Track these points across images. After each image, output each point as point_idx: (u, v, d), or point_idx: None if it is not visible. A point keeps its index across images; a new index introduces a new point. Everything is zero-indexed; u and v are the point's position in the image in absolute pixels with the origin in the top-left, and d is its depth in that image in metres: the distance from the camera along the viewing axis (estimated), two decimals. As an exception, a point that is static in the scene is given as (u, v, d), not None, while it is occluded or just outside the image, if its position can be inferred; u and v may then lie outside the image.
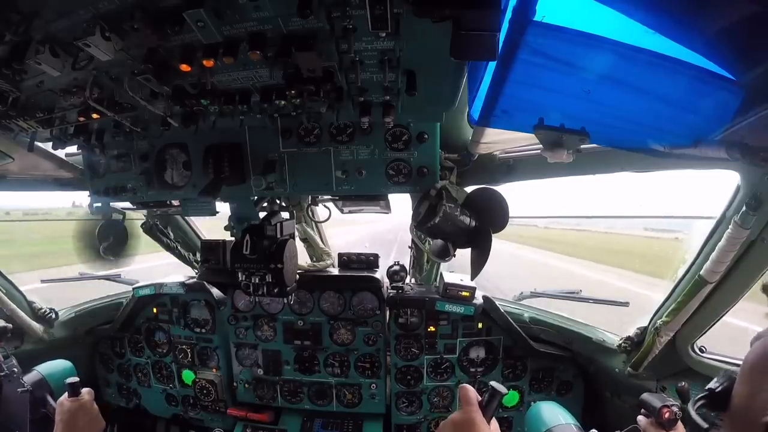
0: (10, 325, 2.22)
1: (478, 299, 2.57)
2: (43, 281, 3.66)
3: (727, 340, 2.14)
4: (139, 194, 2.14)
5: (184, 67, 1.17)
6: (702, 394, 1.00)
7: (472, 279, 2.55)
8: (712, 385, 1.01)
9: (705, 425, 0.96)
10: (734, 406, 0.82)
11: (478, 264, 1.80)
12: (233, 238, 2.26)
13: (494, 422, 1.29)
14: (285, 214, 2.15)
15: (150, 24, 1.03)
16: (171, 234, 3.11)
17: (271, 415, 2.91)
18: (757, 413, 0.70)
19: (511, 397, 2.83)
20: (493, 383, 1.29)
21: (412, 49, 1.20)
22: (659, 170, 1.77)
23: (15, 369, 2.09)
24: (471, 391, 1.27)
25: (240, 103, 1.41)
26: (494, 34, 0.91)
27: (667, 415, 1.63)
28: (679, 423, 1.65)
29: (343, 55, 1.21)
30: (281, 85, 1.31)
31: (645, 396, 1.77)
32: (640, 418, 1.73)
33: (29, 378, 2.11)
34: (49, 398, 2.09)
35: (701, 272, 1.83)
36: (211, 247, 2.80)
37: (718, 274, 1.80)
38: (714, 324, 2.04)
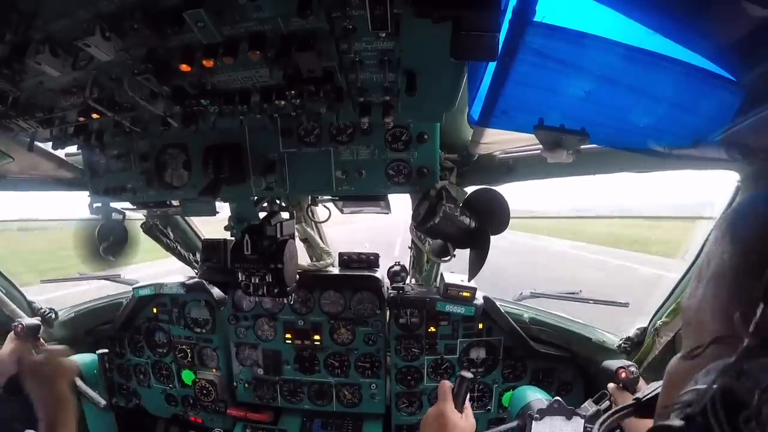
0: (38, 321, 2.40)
1: (479, 300, 2.57)
2: (42, 281, 3.67)
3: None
4: (139, 194, 2.14)
5: (184, 67, 1.17)
6: (618, 408, 0.99)
7: (469, 280, 2.55)
8: (639, 395, 1.00)
9: None
10: (657, 413, 0.81)
11: (476, 265, 1.79)
12: (233, 238, 2.26)
13: (467, 408, 1.41)
14: (285, 214, 2.15)
15: (150, 24, 1.03)
16: (171, 234, 3.11)
17: (270, 415, 2.91)
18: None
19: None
20: (461, 372, 1.39)
21: (412, 50, 1.20)
22: (659, 171, 1.77)
23: None
24: (445, 385, 1.41)
25: (240, 103, 1.41)
26: (494, 35, 0.91)
27: (623, 375, 1.63)
28: (642, 381, 1.64)
29: (343, 56, 1.21)
30: (281, 85, 1.31)
31: (605, 363, 1.78)
32: (610, 384, 1.72)
33: None
34: (79, 381, 2.31)
35: (701, 273, 1.82)
36: (212, 247, 2.81)
37: (718, 275, 1.79)
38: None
